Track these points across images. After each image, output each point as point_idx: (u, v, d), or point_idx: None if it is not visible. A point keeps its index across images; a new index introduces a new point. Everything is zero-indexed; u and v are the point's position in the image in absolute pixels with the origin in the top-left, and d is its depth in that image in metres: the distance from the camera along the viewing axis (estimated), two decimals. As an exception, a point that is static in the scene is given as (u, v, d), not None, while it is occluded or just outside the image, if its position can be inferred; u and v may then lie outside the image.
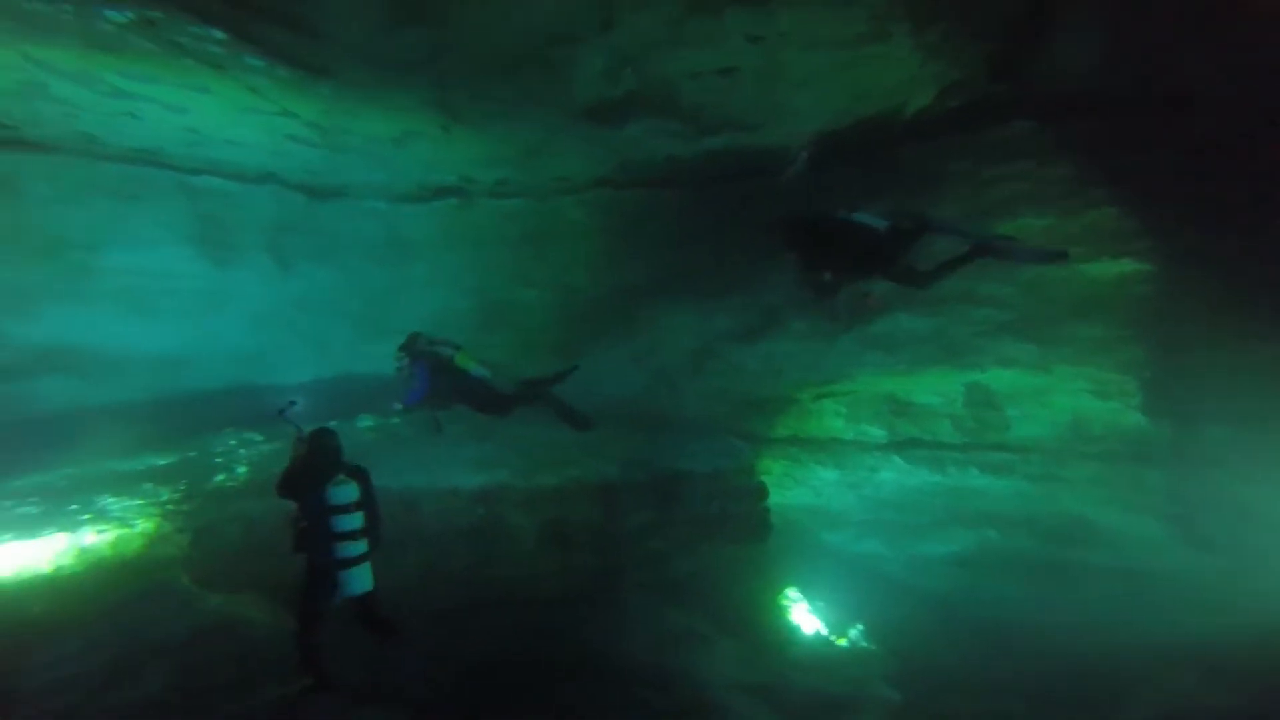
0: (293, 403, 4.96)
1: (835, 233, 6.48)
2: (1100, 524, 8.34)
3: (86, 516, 6.09)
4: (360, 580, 4.66)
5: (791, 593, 8.58)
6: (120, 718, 4.73)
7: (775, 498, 8.81)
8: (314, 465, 4.65)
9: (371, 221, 10.17)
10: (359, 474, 4.78)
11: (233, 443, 7.71)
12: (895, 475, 9.51)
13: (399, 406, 7.16)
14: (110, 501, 6.33)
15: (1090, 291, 7.52)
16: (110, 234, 8.26)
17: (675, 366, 9.83)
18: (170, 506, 6.37)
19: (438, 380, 7.09)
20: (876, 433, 9.49)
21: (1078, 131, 7.35)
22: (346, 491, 4.59)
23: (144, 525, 6.13)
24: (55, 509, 6.23)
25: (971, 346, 8.22)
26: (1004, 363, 8.14)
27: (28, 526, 5.97)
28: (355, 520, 4.60)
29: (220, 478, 7.02)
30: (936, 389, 8.84)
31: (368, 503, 4.74)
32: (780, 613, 8.47)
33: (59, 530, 5.93)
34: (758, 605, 8.33)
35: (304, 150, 8.32)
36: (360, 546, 4.64)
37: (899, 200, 8.26)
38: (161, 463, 7.16)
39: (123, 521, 6.12)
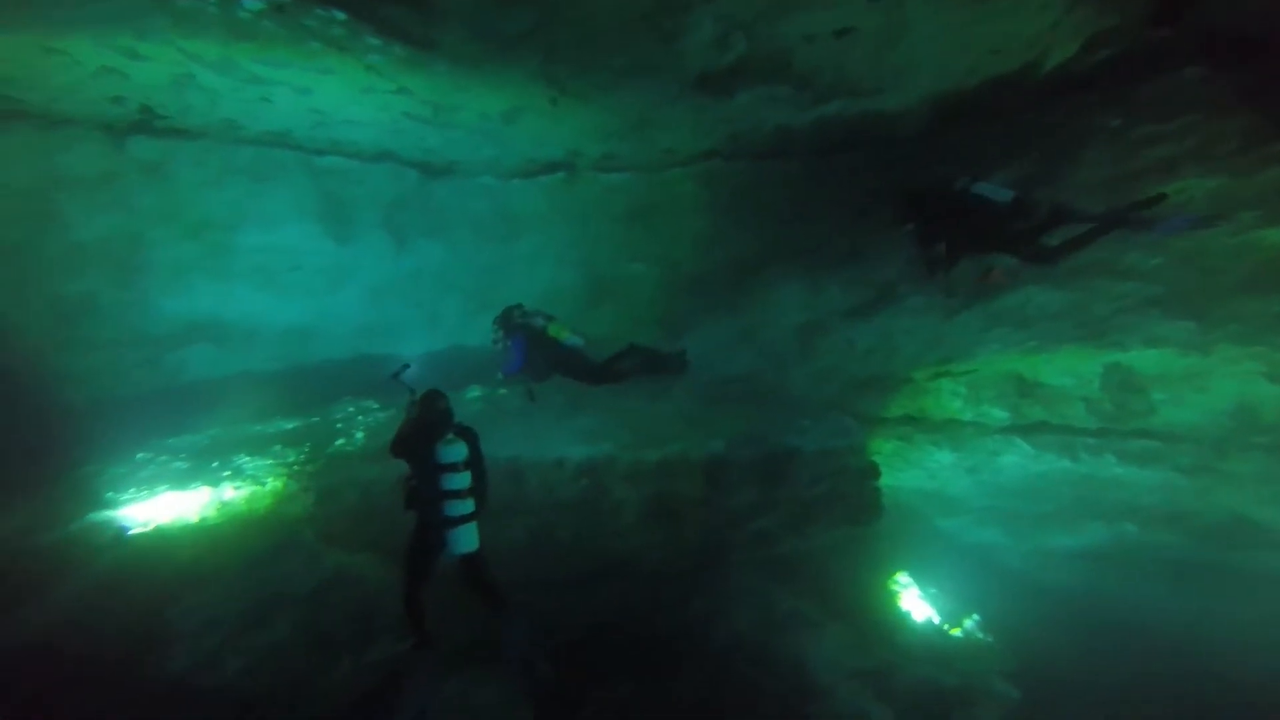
0: (406, 366, 5.14)
1: (954, 206, 6.07)
2: (1267, 525, 7.47)
3: (226, 474, 6.58)
4: (466, 539, 4.75)
5: (902, 578, 8.22)
6: (254, 660, 5.11)
7: (887, 479, 8.42)
8: (425, 425, 4.79)
9: (481, 198, 10.38)
10: (467, 434, 4.91)
11: (351, 410, 8.10)
12: (1018, 460, 8.88)
13: (500, 377, 7.38)
14: (245, 461, 6.82)
15: (1266, 261, 6.62)
16: (245, 214, 8.81)
17: (783, 343, 9.53)
18: (296, 467, 6.78)
19: (533, 351, 7.23)
20: (998, 414, 8.87)
21: (1257, 78, 6.45)
22: (455, 451, 4.71)
23: (273, 484, 6.56)
24: (201, 465, 6.77)
25: (1113, 324, 7.47)
26: (1151, 342, 7.35)
27: (179, 480, 6.52)
28: (463, 479, 4.72)
29: (340, 442, 7.41)
30: (1070, 369, 8.13)
31: (475, 462, 4.85)
32: (890, 598, 8.14)
33: (204, 484, 6.44)
34: (866, 589, 8.03)
35: (419, 127, 8.55)
36: (467, 505, 4.75)
37: (1032, 167, 7.64)
38: (289, 426, 7.63)
39: (256, 479, 6.57)
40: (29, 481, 6.18)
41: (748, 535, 7.55)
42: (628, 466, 7.29)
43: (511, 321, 7.34)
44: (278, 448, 7.17)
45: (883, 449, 9.07)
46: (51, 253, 7.96)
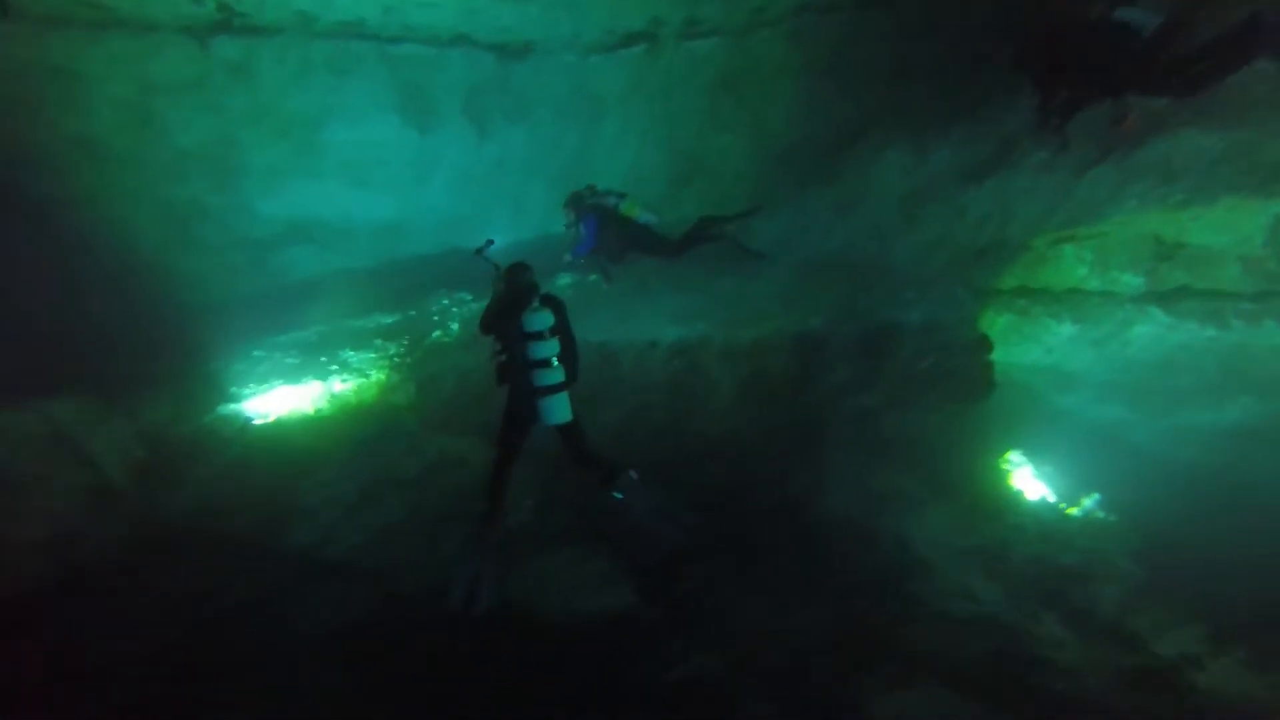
0: (490, 241, 5.07)
1: (1088, 40, 5.21)
2: None
3: (333, 367, 6.86)
4: (558, 409, 4.69)
5: (1014, 456, 7.82)
6: (369, 536, 5.43)
7: (999, 355, 7.87)
8: (510, 297, 4.74)
9: (560, 77, 9.91)
10: (553, 302, 4.82)
11: (445, 302, 8.21)
12: (1153, 330, 8.08)
13: (569, 258, 7.25)
14: (350, 354, 7.08)
15: None
16: (330, 110, 8.76)
17: (885, 214, 8.85)
18: (396, 359, 6.99)
19: (605, 230, 7.05)
20: (1131, 281, 8.03)
21: None
22: (541, 318, 4.63)
23: (377, 375, 6.80)
24: (310, 360, 7.09)
25: (1293, 167, 6.42)
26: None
27: (291, 374, 6.87)
28: (551, 346, 4.64)
29: (437, 334, 7.56)
30: (1226, 225, 7.16)
31: (562, 330, 4.77)
32: (1000, 477, 7.79)
33: (314, 378, 6.75)
34: (974, 468, 7.70)
35: (493, 5, 8.16)
36: (557, 374, 4.67)
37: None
38: (388, 321, 7.83)
39: (361, 372, 6.82)
40: (161, 376, 6.64)
41: (847, 413, 7.29)
42: (722, 346, 7.10)
43: (582, 203, 7.16)
44: (379, 341, 7.39)
45: (996, 323, 8.45)
46: (156, 159, 8.23)
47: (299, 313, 8.18)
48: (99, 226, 8.15)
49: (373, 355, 7.08)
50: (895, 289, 7.77)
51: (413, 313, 8.01)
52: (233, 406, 6.57)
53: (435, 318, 7.94)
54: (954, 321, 7.39)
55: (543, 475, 6.26)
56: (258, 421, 6.51)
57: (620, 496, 4.91)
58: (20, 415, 4.85)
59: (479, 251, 5.08)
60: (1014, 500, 7.52)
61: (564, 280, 8.89)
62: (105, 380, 6.13)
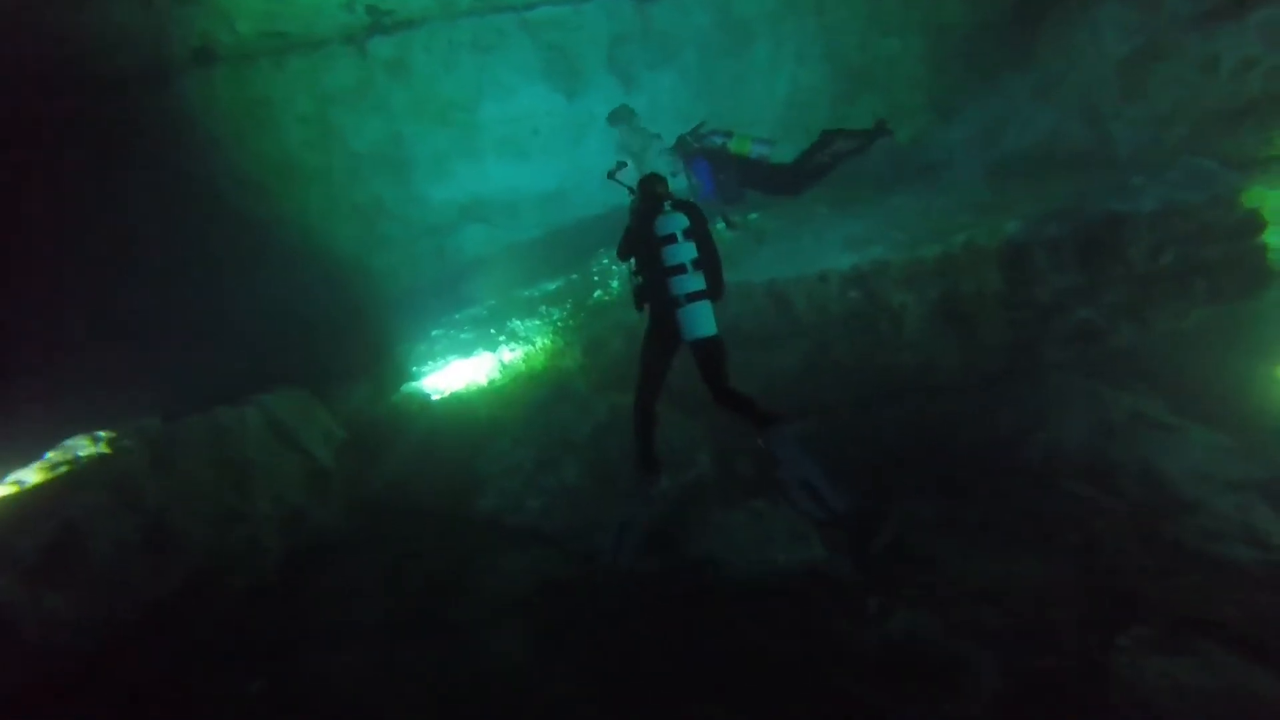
0: (622, 164, 4.66)
1: None
2: None
3: (502, 338, 6.95)
4: (700, 319, 4.05)
5: (1307, 362, 6.15)
6: (549, 500, 5.40)
7: (1275, 236, 6.17)
8: (643, 208, 4.27)
9: (702, 11, 9.28)
10: (687, 206, 4.24)
11: (605, 261, 8.04)
12: None
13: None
14: (517, 324, 7.14)
15: None
16: (480, 88, 8.90)
17: (1100, 87, 7.29)
18: (560, 324, 6.93)
19: (718, 173, 6.35)
20: None
21: None
22: (674, 220, 4.06)
23: (543, 342, 6.78)
24: (482, 334, 7.27)
25: None
26: None
27: (464, 349, 7.07)
28: (686, 251, 4.04)
29: (598, 294, 7.40)
30: None
31: (699, 234, 4.17)
32: (1285, 391, 6.17)
33: (485, 350, 6.89)
34: (1248, 381, 6.16)
35: (622, -54, 7.72)
36: (696, 281, 4.05)
37: None
38: (551, 287, 7.81)
39: (528, 340, 6.85)
40: (357, 365, 7.14)
41: (1066, 331, 6.13)
42: (903, 269, 6.21)
43: (689, 147, 6.53)
44: (543, 308, 7.39)
45: (1267, 199, 6.64)
46: (340, 166, 8.82)
47: (472, 290, 8.44)
48: (305, 237, 8.93)
49: (538, 322, 7.10)
50: (1118, 177, 6.34)
51: (574, 276, 7.93)
52: (415, 385, 6.90)
53: (596, 278, 7.81)
54: (1204, 203, 5.85)
55: (715, 424, 5.89)
56: (436, 397, 6.78)
57: (769, 448, 4.19)
58: (245, 410, 5.33)
59: (611, 174, 4.68)
60: (1307, 418, 5.92)
61: (721, 224, 8.36)
62: (311, 373, 6.65)
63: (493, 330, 7.14)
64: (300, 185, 8.81)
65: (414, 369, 7.10)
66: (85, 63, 7.16)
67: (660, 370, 4.33)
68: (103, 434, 4.41)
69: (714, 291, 4.17)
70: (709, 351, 4.16)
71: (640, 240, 4.19)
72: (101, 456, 4.23)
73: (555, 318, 7.04)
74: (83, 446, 4.32)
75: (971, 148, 7.70)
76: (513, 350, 6.83)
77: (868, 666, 4.11)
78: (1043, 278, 6.00)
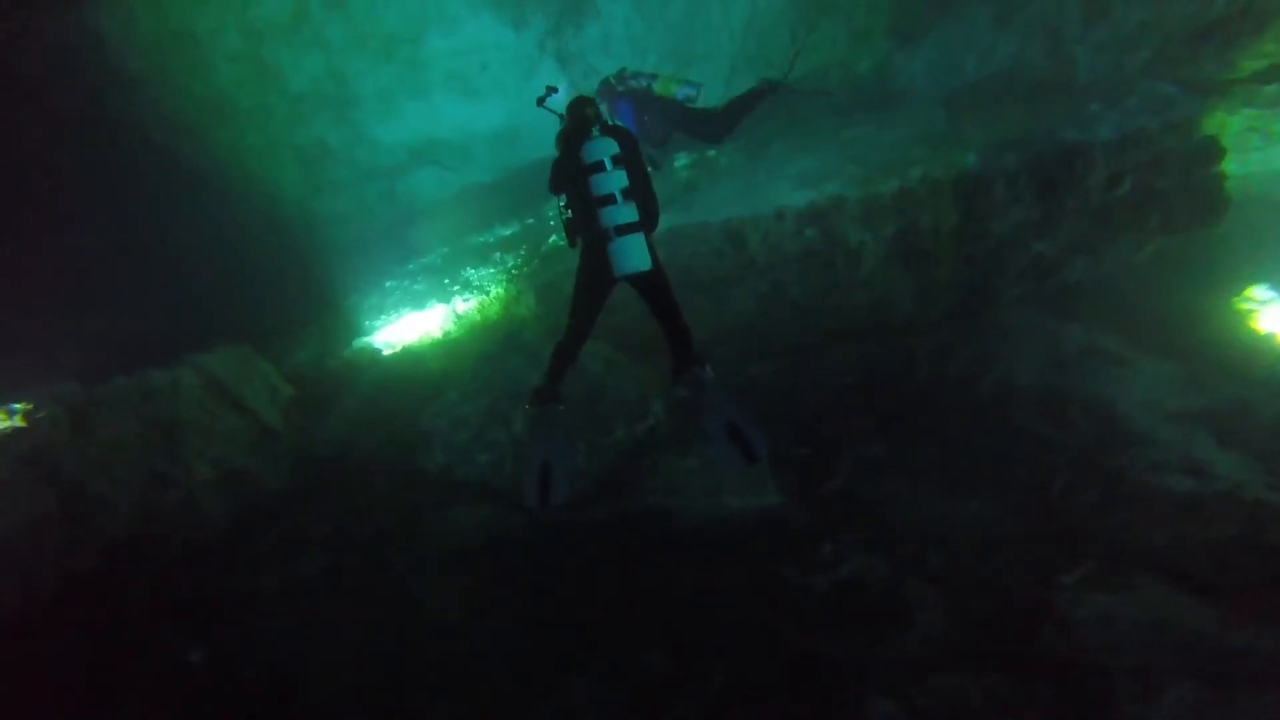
0: (552, 89, 4.22)
1: None
2: None
3: (456, 288, 6.62)
4: (632, 253, 3.60)
5: (1259, 292, 6.05)
6: (498, 454, 5.22)
7: (1233, 165, 5.99)
8: (571, 134, 3.82)
9: (655, -67, 8.66)
10: (618, 132, 3.79)
11: (562, 204, 7.68)
12: None
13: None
14: (471, 273, 6.80)
15: None
16: (425, 20, 8.28)
17: (1062, 10, 6.92)
18: (514, 271, 6.60)
19: (642, 115, 6.03)
20: None
21: None
22: (602, 145, 3.60)
23: (497, 290, 6.47)
24: (435, 284, 6.92)
25: None
26: None
27: (417, 300, 6.73)
28: (616, 179, 3.59)
29: (553, 239, 7.05)
30: None
31: (631, 163, 3.70)
32: (1237, 321, 6.10)
33: (439, 302, 6.56)
34: (1199, 313, 6.08)
35: None
36: (628, 211, 3.59)
37: None
38: (506, 233, 7.45)
39: (481, 289, 6.52)
40: (307, 317, 6.79)
41: (1022, 265, 5.97)
42: (860, 204, 5.95)
43: (612, 89, 6.18)
44: (498, 254, 7.04)
45: (1227, 125, 6.43)
46: (278, 107, 8.23)
47: (424, 236, 8.05)
48: (244, 183, 8.39)
49: (492, 270, 6.74)
50: (1077, 104, 6.07)
51: (531, 220, 7.56)
52: (366, 340, 6.58)
53: (552, 223, 7.45)
54: (1162, 129, 5.62)
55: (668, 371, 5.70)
56: (387, 352, 6.48)
57: (684, 394, 3.82)
58: (179, 371, 5.03)
59: (541, 101, 4.26)
60: (1258, 348, 5.86)
61: (681, 161, 7.99)
62: (257, 327, 6.31)
63: (446, 280, 6.79)
64: (236, 126, 8.23)
65: (366, 323, 6.76)
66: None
67: (591, 310, 3.90)
68: (18, 406, 4.11)
69: (647, 223, 3.75)
70: (648, 287, 3.79)
71: (568, 169, 3.76)
72: (15, 430, 3.94)
73: (509, 265, 6.70)
74: (-5, 420, 4.03)
75: (932, 77, 7.36)
76: (466, 300, 6.50)
77: (812, 610, 4.06)
78: (1000, 211, 5.77)
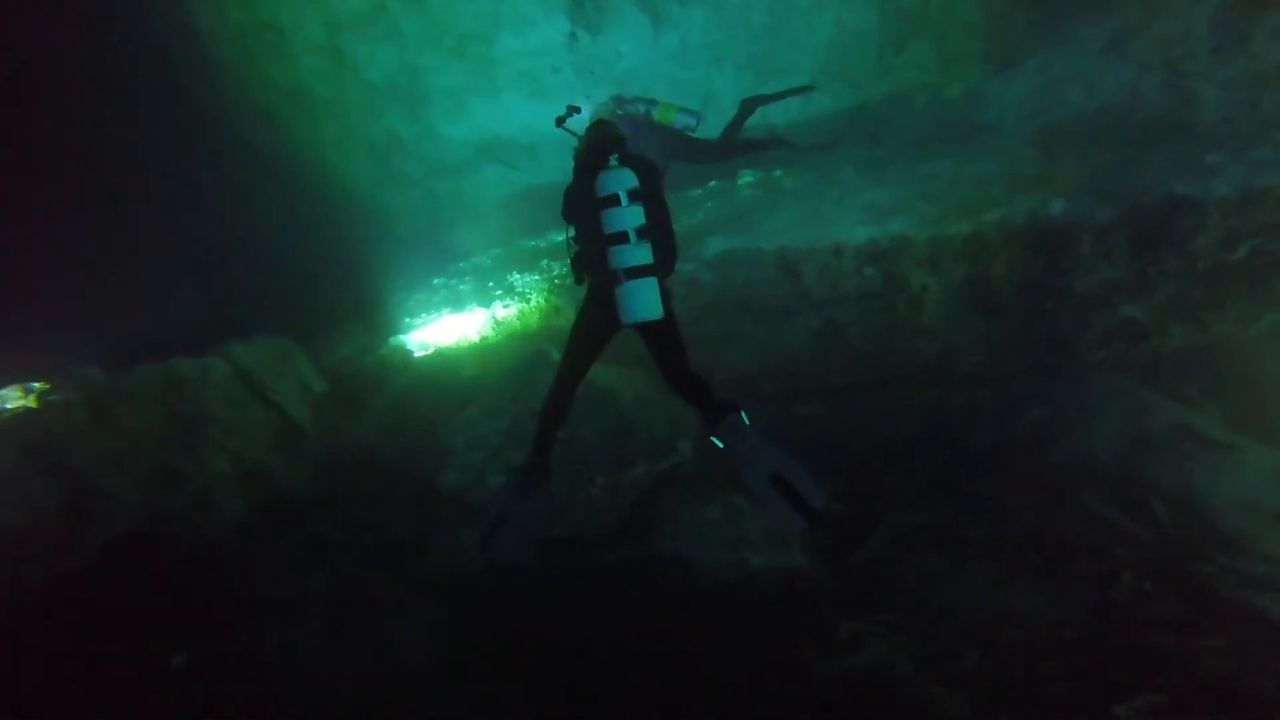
0: (575, 109, 3.84)
1: None
2: None
3: (499, 292, 6.34)
4: (641, 299, 3.15)
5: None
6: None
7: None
8: (586, 161, 3.43)
9: (741, -61, 8.15)
10: (638, 162, 3.32)
11: (570, 235, 7.30)
12: None
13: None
14: (517, 278, 6.51)
15: None
16: (499, 20, 8.08)
17: (1187, 39, 6.06)
18: (559, 281, 6.28)
19: (639, 140, 5.64)
20: None
21: None
22: (618, 178, 3.16)
23: (538, 300, 6.16)
24: (480, 286, 6.67)
25: None
26: None
27: (460, 301, 6.50)
28: (631, 216, 3.15)
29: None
30: None
31: (650, 197, 3.25)
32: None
33: (479, 305, 6.31)
34: (1320, 399, 5.19)
35: None
36: (641, 253, 3.16)
37: None
38: (560, 238, 7.12)
39: (524, 296, 6.23)
40: (354, 311, 6.67)
41: (1106, 327, 5.20)
42: (926, 246, 5.32)
43: (609, 113, 5.78)
44: (545, 261, 6.72)
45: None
46: (353, 99, 8.19)
47: (481, 236, 7.85)
48: (318, 170, 8.41)
49: (538, 278, 6.43)
50: (1191, 152, 5.25)
51: (584, 227, 7.20)
52: (401, 339, 6.39)
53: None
54: (1295, 188, 4.77)
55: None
56: (420, 354, 6.26)
57: (721, 445, 3.30)
58: (209, 360, 4.94)
59: (560, 122, 3.87)
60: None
61: (746, 179, 7.50)
62: (306, 318, 6.22)
63: (490, 283, 6.51)
64: (314, 117, 8.24)
65: (406, 320, 6.57)
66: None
67: (587, 358, 3.51)
68: (36, 385, 4.05)
69: (662, 266, 3.30)
70: (657, 337, 3.37)
71: (582, 200, 3.34)
72: (27, 412, 3.87)
73: (554, 273, 6.37)
74: (13, 398, 3.98)
75: (1027, 108, 6.60)
76: (507, 306, 6.21)
77: (819, 701, 3.58)
78: (1088, 266, 5.04)
